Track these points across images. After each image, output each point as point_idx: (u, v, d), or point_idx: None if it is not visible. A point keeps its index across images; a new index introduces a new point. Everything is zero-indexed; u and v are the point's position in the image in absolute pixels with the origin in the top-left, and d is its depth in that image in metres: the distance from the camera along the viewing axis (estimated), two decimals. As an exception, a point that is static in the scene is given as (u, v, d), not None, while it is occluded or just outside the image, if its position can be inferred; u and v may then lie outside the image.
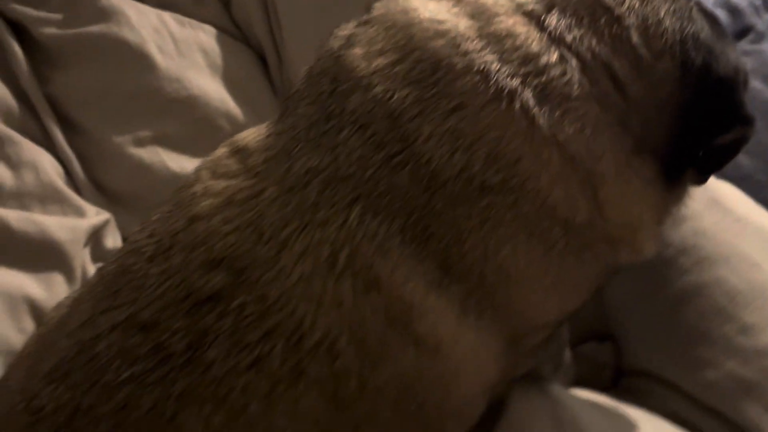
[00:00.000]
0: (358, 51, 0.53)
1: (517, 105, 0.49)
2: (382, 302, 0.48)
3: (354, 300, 0.48)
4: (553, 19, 0.51)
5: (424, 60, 0.51)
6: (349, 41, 0.55)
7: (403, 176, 0.49)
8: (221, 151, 0.58)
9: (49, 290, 0.74)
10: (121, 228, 0.86)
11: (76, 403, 0.50)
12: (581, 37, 0.51)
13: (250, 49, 1.01)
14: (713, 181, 0.73)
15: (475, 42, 0.51)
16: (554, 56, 0.50)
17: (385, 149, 0.50)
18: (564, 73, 0.50)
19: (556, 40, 0.51)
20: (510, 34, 0.51)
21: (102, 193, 0.88)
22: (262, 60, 1.01)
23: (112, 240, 0.84)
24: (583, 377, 0.77)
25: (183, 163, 0.88)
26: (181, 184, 0.57)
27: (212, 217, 0.52)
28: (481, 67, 0.49)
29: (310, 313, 0.48)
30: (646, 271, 0.75)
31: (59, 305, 0.69)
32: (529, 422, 0.63)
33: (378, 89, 0.51)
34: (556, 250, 0.51)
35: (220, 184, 0.54)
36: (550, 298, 0.55)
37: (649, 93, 0.52)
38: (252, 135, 0.57)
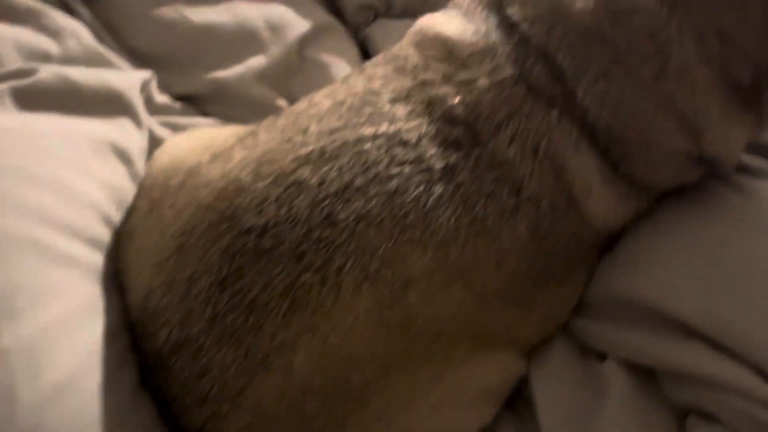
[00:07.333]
0: None
1: None
2: (568, 185, 0.66)
3: (554, 180, 0.65)
4: None
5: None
6: None
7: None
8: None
9: (124, 133, 0.78)
10: (161, 86, 0.91)
11: (346, 182, 0.61)
12: None
13: None
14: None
15: None
16: None
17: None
18: None
19: None
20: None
21: (133, 56, 0.92)
22: None
23: (160, 96, 0.89)
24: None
25: (205, 15, 0.93)
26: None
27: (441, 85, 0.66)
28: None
29: (526, 177, 0.64)
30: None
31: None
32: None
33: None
34: None
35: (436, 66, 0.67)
36: None
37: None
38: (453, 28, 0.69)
